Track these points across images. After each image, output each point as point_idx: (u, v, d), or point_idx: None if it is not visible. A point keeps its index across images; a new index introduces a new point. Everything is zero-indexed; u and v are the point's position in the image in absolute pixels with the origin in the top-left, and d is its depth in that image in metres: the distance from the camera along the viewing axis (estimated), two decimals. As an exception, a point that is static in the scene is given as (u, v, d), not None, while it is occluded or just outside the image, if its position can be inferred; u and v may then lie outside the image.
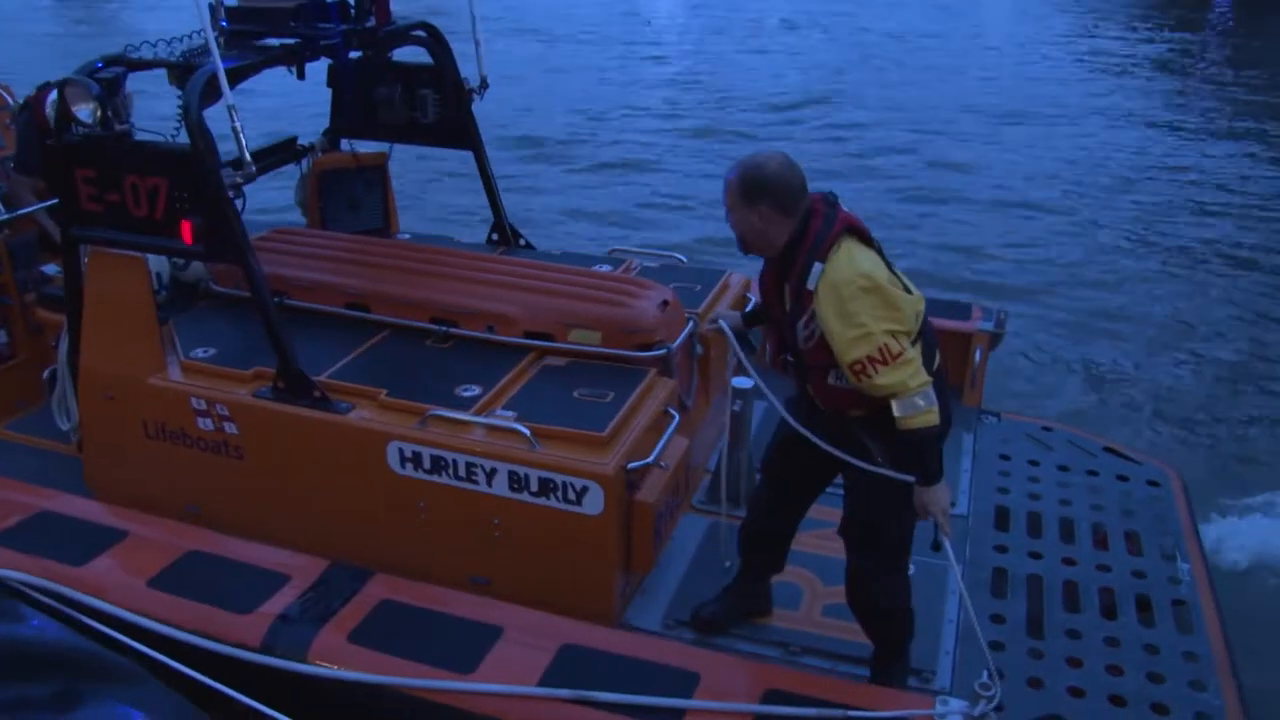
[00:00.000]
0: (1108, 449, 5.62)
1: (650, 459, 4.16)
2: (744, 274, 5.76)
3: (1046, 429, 5.82)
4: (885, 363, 3.38)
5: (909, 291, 3.55)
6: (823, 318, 3.44)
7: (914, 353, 3.45)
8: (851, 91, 19.27)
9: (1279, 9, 28.67)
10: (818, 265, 3.46)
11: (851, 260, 3.45)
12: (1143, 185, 13.63)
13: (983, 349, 5.87)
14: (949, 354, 5.86)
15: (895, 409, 3.44)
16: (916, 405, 3.43)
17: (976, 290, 9.63)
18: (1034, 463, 5.49)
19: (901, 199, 12.91)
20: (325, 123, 6.26)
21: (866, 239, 3.57)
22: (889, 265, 3.59)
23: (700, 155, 14.98)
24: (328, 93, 6.11)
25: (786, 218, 3.52)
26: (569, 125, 16.61)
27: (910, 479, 3.60)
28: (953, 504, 3.88)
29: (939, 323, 5.92)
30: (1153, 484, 5.30)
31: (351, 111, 6.09)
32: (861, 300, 3.39)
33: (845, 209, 3.58)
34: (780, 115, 17.40)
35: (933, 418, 3.47)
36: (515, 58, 20.53)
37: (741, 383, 4.84)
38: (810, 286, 3.47)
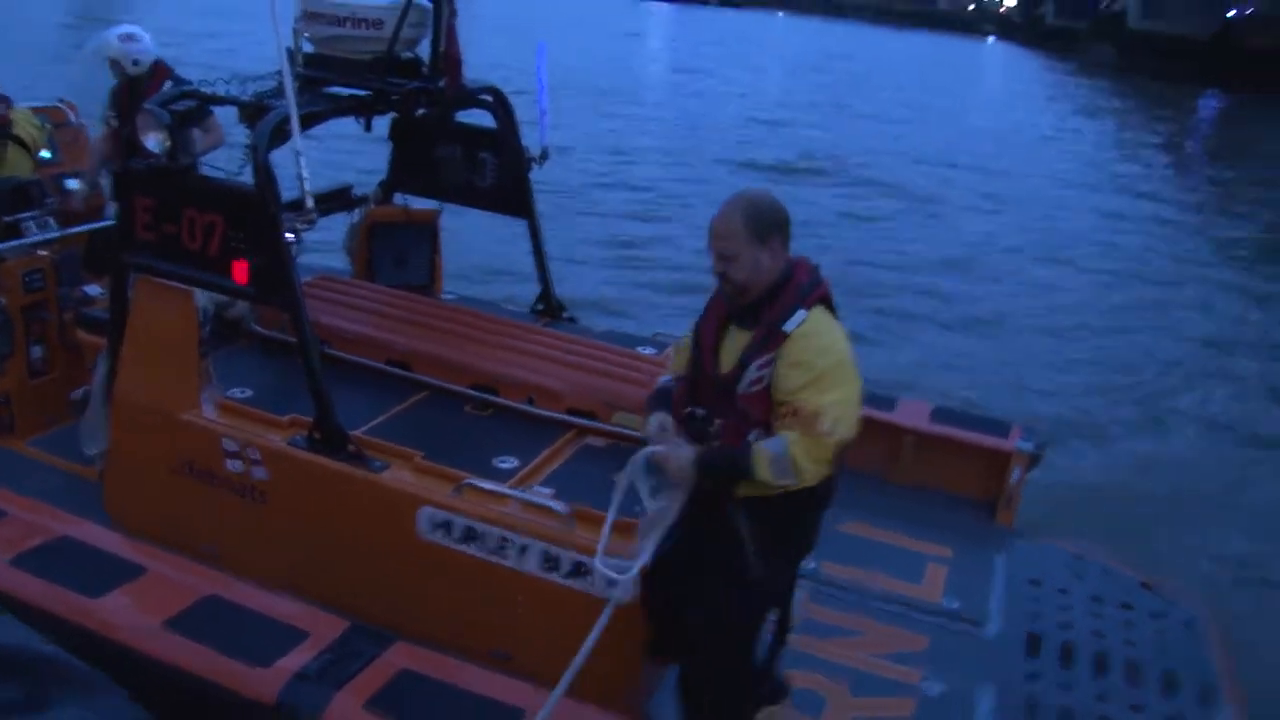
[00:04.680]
0: (1143, 583, 5.50)
1: None
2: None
3: (1079, 557, 5.71)
4: (834, 435, 3.35)
5: None
6: (796, 363, 3.36)
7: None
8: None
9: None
10: (801, 311, 3.41)
11: (833, 324, 3.49)
12: (1176, 289, 13.66)
13: (1020, 469, 5.79)
14: (985, 472, 5.86)
15: (774, 470, 3.34)
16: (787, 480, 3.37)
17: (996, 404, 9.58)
18: (1065, 591, 5.37)
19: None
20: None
21: (833, 312, 3.57)
22: None
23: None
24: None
25: (786, 250, 3.49)
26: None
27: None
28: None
29: (977, 438, 5.93)
30: (1189, 624, 5.17)
31: (410, 168, 6.08)
32: (845, 368, 3.42)
33: None
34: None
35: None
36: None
37: None
38: (787, 329, 3.39)
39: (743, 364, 3.46)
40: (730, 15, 79.97)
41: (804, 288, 3.47)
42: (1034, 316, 12.71)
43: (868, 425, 5.87)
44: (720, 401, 3.52)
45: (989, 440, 5.90)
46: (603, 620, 3.55)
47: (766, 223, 3.43)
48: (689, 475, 3.45)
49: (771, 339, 3.42)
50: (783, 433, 3.35)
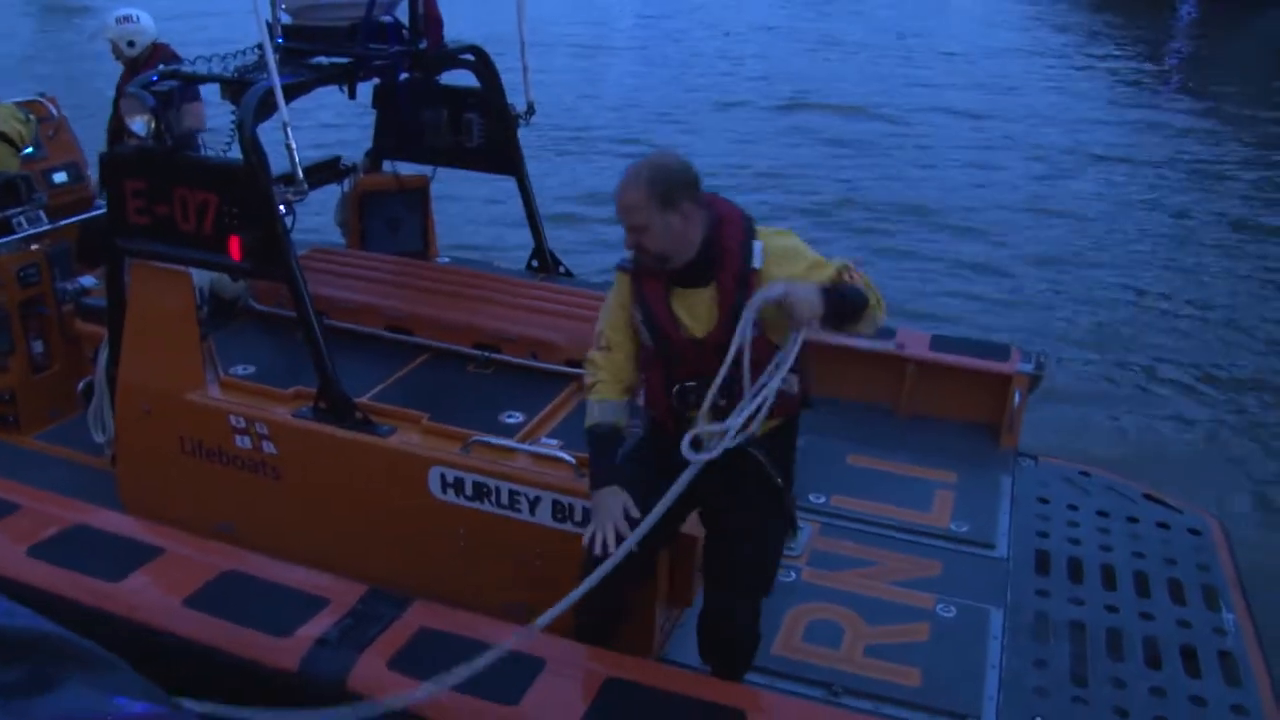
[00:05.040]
0: (1147, 495, 5.56)
1: None
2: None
3: (1084, 474, 5.76)
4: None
5: None
6: (800, 272, 3.40)
7: None
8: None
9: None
10: (756, 243, 3.43)
11: (773, 229, 3.55)
12: (1167, 211, 13.63)
13: (1021, 391, 5.83)
14: (987, 396, 5.91)
15: (875, 300, 3.45)
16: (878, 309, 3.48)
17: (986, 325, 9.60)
18: (1073, 507, 5.43)
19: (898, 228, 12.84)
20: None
21: None
22: None
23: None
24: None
25: (700, 208, 3.43)
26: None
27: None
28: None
29: (977, 364, 5.97)
30: (1194, 532, 5.24)
31: (396, 133, 6.09)
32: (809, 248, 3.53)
33: None
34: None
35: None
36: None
37: None
38: (758, 264, 3.41)
39: (734, 319, 3.41)
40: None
41: (741, 226, 3.47)
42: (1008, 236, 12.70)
43: (868, 357, 6.00)
44: (714, 363, 3.45)
45: (989, 365, 5.94)
46: (686, 477, 3.48)
47: (672, 185, 3.36)
48: (819, 310, 3.25)
49: (746, 282, 3.42)
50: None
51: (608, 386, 3.67)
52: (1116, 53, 25.36)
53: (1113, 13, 31.43)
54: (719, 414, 3.48)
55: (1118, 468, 6.15)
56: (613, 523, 3.48)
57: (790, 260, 3.43)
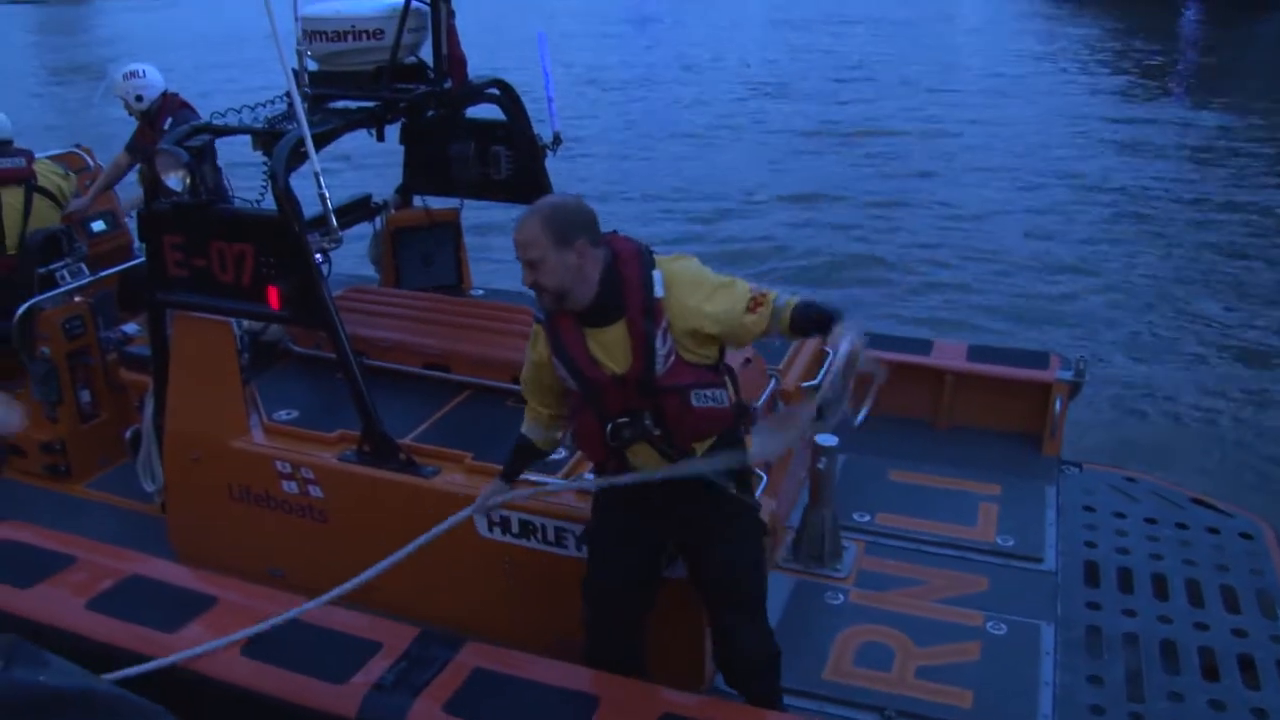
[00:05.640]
0: (1195, 500, 5.51)
1: None
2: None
3: (1130, 479, 5.72)
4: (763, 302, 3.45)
5: None
6: (693, 303, 3.42)
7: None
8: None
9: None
10: (656, 273, 3.44)
11: (672, 257, 3.55)
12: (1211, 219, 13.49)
13: (1063, 399, 5.80)
14: (1028, 405, 5.87)
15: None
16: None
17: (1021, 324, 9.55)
18: (1120, 515, 5.39)
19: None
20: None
21: None
22: None
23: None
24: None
25: (598, 247, 3.45)
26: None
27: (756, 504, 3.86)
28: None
29: (1016, 373, 5.93)
30: (1245, 536, 5.18)
31: (425, 168, 6.13)
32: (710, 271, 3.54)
33: None
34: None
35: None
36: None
37: (826, 440, 4.80)
38: (660, 293, 3.42)
39: (648, 350, 3.44)
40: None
41: (639, 258, 3.48)
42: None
43: (906, 370, 5.98)
44: (642, 398, 3.51)
45: (1028, 373, 5.91)
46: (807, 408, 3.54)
47: (568, 224, 3.39)
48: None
49: (654, 311, 3.43)
50: (767, 306, 3.45)
51: (535, 415, 3.94)
52: (1127, 58, 25.37)
53: (1117, 18, 31.47)
54: (655, 443, 3.55)
55: (1164, 471, 6.11)
56: (481, 503, 3.98)
57: (694, 285, 3.46)
